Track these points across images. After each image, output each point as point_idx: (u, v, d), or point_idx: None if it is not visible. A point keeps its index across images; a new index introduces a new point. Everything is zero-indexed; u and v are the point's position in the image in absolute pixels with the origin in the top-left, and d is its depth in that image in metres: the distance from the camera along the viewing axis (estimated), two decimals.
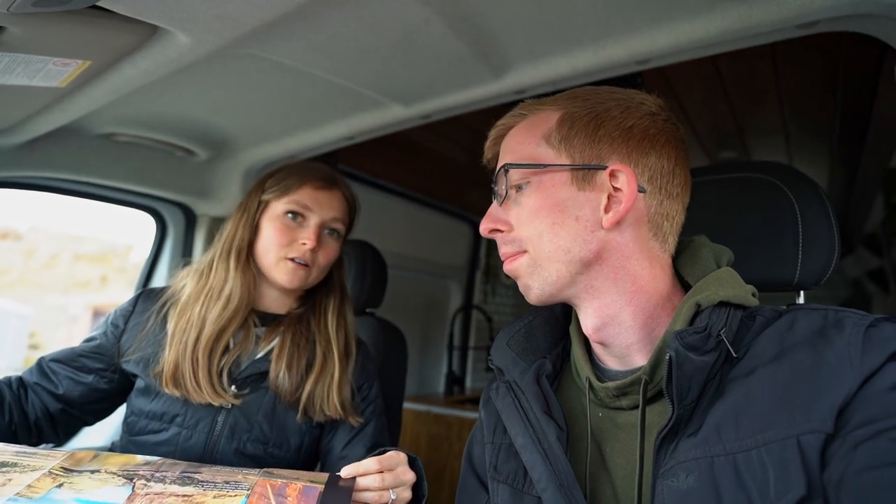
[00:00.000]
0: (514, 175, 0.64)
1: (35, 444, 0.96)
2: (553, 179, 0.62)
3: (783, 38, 0.85)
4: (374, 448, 1.04)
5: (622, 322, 0.62)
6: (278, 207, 1.02)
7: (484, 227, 0.67)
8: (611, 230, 0.61)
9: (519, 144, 0.66)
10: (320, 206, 1.03)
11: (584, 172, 0.62)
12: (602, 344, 0.64)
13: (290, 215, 1.02)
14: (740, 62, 1.44)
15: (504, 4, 0.83)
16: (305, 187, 1.03)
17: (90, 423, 1.04)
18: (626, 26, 0.88)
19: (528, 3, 0.82)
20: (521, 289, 0.66)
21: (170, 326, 0.98)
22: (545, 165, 0.63)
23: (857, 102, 1.61)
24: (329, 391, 1.00)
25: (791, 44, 0.89)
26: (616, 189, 0.61)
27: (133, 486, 0.57)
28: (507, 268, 0.66)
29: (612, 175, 0.61)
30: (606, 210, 0.61)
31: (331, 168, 1.10)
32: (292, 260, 1.00)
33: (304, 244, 1.00)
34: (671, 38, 0.88)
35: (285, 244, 1.00)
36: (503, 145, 0.69)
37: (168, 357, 0.95)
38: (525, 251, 0.64)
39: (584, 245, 0.61)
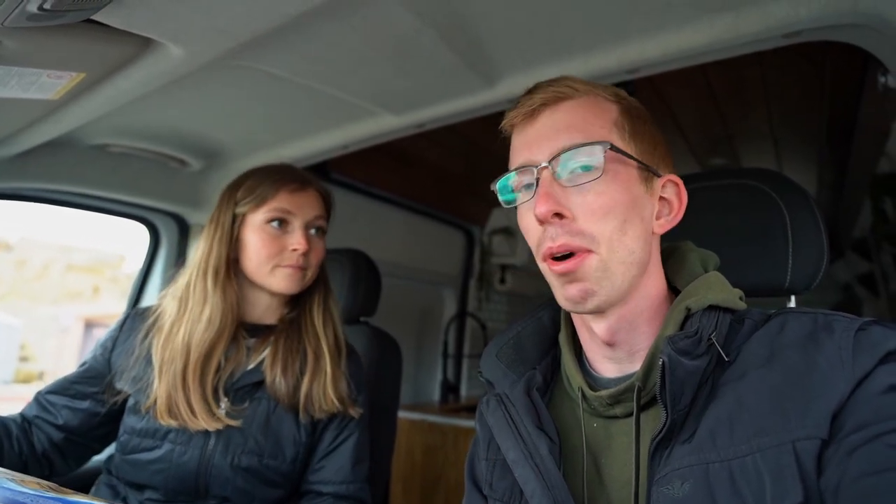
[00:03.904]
0: (596, 157, 0.56)
1: (47, 477, 0.95)
2: (629, 174, 0.59)
3: (770, 47, 0.87)
4: (357, 464, 1.02)
5: (637, 327, 0.61)
6: (258, 218, 1.00)
7: (546, 210, 0.55)
8: (654, 237, 0.62)
9: (587, 123, 0.58)
10: (301, 208, 1.01)
11: (649, 175, 0.61)
12: (611, 345, 0.62)
13: (274, 223, 1.00)
14: (729, 71, 1.47)
15: (495, 14, 0.84)
16: (281, 192, 1.01)
17: (98, 451, 1.03)
18: (615, 36, 0.90)
19: (519, 12, 0.84)
20: (576, 294, 0.57)
21: (155, 357, 0.96)
22: (633, 157, 0.58)
23: (843, 110, 1.64)
24: (325, 387, 0.99)
25: (778, 53, 0.90)
26: (661, 198, 0.62)
27: None
28: (566, 267, 0.56)
29: (663, 184, 0.62)
30: (658, 216, 0.61)
31: (296, 167, 1.09)
32: (288, 266, 0.99)
33: (296, 249, 0.99)
34: (660, 48, 0.89)
35: (276, 253, 0.99)
36: (556, 114, 0.60)
37: (159, 389, 0.93)
38: (591, 251, 0.56)
39: (644, 247, 0.59)
